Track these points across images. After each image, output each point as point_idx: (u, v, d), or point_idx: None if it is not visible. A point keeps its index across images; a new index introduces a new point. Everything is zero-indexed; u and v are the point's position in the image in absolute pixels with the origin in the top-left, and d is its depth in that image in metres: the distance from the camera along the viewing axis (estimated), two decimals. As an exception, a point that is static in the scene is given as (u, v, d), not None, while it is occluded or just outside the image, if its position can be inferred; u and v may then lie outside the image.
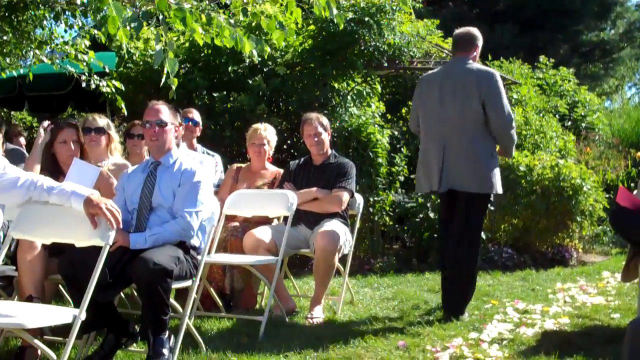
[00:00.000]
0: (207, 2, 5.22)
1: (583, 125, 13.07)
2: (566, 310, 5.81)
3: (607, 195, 9.48)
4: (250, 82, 8.16)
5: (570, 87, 12.91)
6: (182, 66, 8.23)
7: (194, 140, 6.26)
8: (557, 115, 12.00)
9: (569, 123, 12.74)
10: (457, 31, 5.58)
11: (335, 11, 4.99)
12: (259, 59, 6.36)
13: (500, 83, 5.37)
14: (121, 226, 3.64)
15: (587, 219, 8.66)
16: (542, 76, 12.96)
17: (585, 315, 5.61)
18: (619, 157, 11.78)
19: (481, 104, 5.27)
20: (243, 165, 6.24)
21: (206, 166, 5.69)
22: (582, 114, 13.19)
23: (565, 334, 5.07)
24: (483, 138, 5.36)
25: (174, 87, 4.93)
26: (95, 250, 3.57)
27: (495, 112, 5.29)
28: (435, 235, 7.91)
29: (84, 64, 6.33)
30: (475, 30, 5.56)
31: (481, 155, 5.34)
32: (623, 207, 5.26)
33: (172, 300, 4.24)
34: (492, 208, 8.16)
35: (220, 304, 5.46)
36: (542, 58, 13.44)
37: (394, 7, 8.46)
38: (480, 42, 5.53)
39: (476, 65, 5.48)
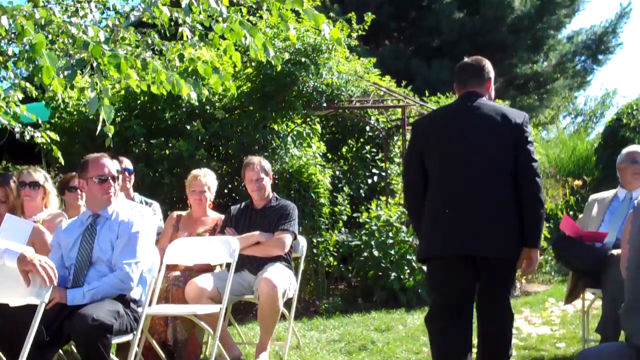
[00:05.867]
0: (141, 48, 5.18)
1: (521, 156, 13.26)
2: (513, 343, 5.84)
3: (547, 225, 9.60)
4: (188, 127, 8.09)
5: (507, 119, 13.13)
6: (119, 114, 8.13)
7: (131, 190, 6.15)
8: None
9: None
10: None
11: (272, 53, 4.99)
12: (197, 104, 6.36)
13: None
14: (55, 283, 3.54)
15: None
16: (479, 110, 13.15)
17: (531, 347, 5.67)
18: (557, 187, 12.02)
19: None
20: (183, 212, 6.15)
21: (148, 216, 5.61)
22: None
23: (512, 367, 5.10)
24: None
25: (110, 135, 4.85)
26: (31, 309, 3.47)
27: None
28: (380, 274, 7.90)
29: (11, 116, 6.16)
30: None
31: None
32: (566, 236, 5.37)
33: (112, 356, 4.13)
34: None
35: (163, 356, 5.32)
36: (478, 92, 13.65)
37: (330, 47, 8.51)
38: None
39: None
